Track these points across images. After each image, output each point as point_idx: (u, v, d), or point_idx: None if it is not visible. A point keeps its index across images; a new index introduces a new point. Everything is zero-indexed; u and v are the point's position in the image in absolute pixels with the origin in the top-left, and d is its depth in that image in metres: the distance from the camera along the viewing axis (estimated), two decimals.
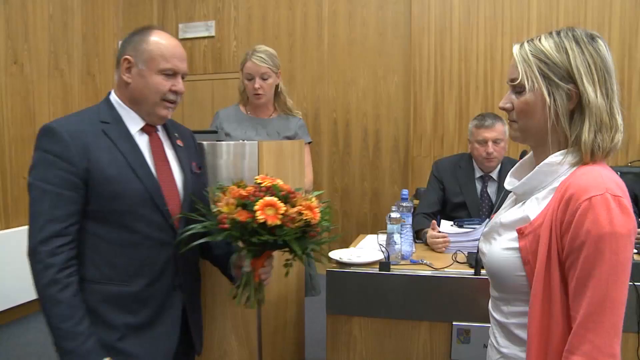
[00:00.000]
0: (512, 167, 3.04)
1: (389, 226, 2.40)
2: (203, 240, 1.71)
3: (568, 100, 1.28)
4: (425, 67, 4.66)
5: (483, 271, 2.18)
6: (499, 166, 3.26)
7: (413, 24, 4.65)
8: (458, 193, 3.22)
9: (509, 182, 1.45)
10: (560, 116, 1.28)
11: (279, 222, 1.58)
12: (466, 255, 2.45)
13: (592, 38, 1.30)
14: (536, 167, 1.33)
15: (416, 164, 4.72)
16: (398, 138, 4.85)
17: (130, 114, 1.79)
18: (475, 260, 2.19)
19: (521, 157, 2.70)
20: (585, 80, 1.26)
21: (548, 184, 1.32)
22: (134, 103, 1.78)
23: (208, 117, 5.01)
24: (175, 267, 1.82)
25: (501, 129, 3.18)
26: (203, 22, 5.05)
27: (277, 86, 3.04)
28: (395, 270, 2.31)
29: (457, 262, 2.39)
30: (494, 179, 3.23)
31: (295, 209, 1.62)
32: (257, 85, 2.92)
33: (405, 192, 2.59)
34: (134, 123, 1.79)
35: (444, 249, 2.61)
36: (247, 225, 1.59)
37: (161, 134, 1.89)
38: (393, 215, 2.41)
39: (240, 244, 1.71)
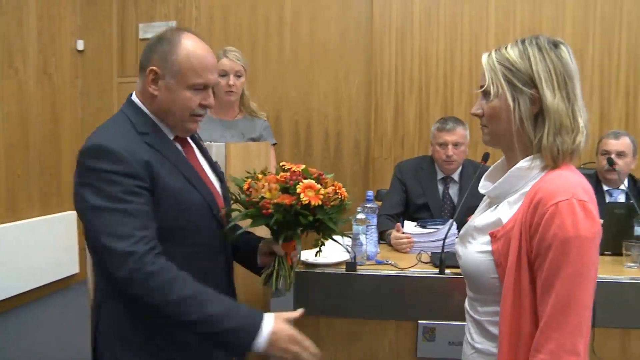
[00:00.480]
0: (474, 169, 3.13)
1: (355, 227, 2.44)
2: (247, 228, 1.69)
3: (531, 105, 1.34)
4: (387, 69, 4.71)
5: (447, 270, 2.23)
6: (460, 168, 3.33)
7: (374, 27, 4.70)
8: (420, 194, 3.28)
9: (483, 186, 1.53)
10: (524, 120, 1.34)
11: (320, 203, 1.62)
12: (430, 255, 2.50)
13: (555, 45, 1.38)
14: (508, 172, 1.40)
15: (377, 165, 4.77)
16: (359, 140, 4.89)
17: (161, 124, 1.68)
18: (439, 259, 2.24)
19: (483, 159, 2.78)
20: (544, 85, 1.32)
21: (519, 188, 1.37)
22: (161, 116, 1.67)
23: None
24: (228, 277, 1.79)
25: (462, 133, 3.26)
26: (164, 22, 4.99)
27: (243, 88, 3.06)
28: (362, 270, 2.35)
29: (422, 262, 2.43)
30: (455, 181, 3.30)
31: (329, 189, 1.68)
32: (231, 82, 2.94)
33: (370, 193, 2.63)
34: (167, 133, 1.69)
35: (408, 249, 2.66)
36: (291, 208, 1.60)
37: (188, 139, 1.80)
38: (359, 216, 2.44)
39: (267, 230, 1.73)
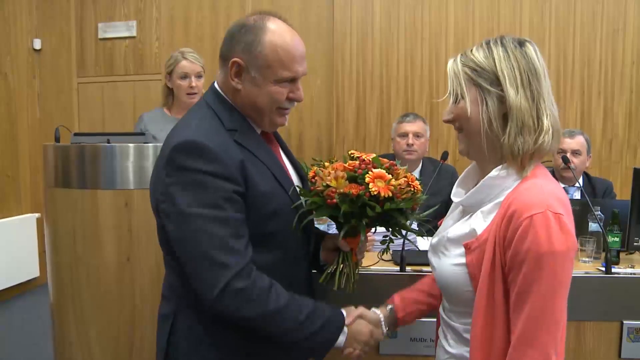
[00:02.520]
0: (434, 167, 3.13)
1: (317, 226, 2.44)
2: (311, 217, 1.54)
3: (500, 104, 1.31)
4: (348, 70, 4.75)
5: (408, 268, 2.26)
6: (420, 166, 3.38)
7: (335, 28, 4.73)
8: None
9: (456, 193, 1.49)
10: (492, 120, 1.31)
11: (390, 194, 1.49)
12: (391, 253, 2.52)
13: (520, 43, 1.36)
14: (481, 181, 1.36)
15: None
16: (321, 140, 4.91)
17: (247, 118, 1.55)
18: (400, 257, 2.26)
19: (442, 158, 2.82)
20: (508, 83, 1.30)
21: (494, 197, 1.34)
22: (246, 110, 1.53)
23: (129, 119, 4.89)
24: (309, 285, 1.70)
25: (422, 125, 3.33)
26: (124, 22, 4.92)
27: None
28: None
29: (383, 260, 2.45)
30: (416, 178, 3.34)
31: (401, 181, 1.55)
32: (193, 84, 2.91)
33: None
34: (255, 128, 1.56)
35: (370, 247, 2.67)
36: (358, 198, 1.48)
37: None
38: None
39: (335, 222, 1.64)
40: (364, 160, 1.58)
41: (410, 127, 3.31)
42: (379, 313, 1.69)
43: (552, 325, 1.21)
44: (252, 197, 1.43)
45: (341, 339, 1.53)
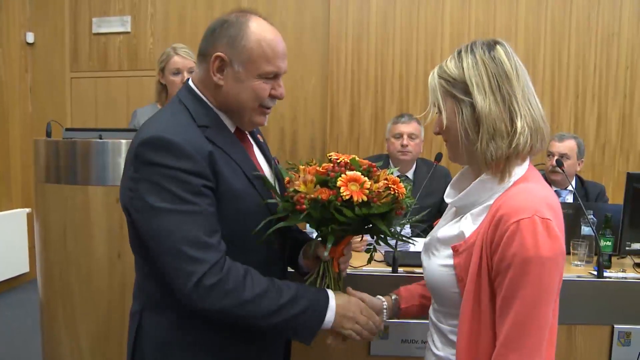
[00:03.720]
0: (427, 168, 3.12)
1: (309, 227, 2.43)
2: (279, 226, 1.45)
3: (473, 112, 1.30)
4: (342, 70, 4.74)
5: (400, 269, 2.25)
6: (414, 167, 3.38)
7: (331, 28, 4.72)
8: None
9: (449, 194, 1.48)
10: (468, 129, 1.30)
11: (365, 198, 1.39)
12: (383, 254, 2.52)
13: (490, 46, 1.34)
14: (472, 184, 1.35)
15: None
16: (315, 139, 4.91)
17: (221, 115, 1.51)
18: (392, 258, 2.26)
19: (436, 159, 2.81)
20: (475, 90, 1.29)
21: (483, 200, 1.34)
22: (224, 107, 1.50)
23: (123, 116, 4.86)
24: None
25: (417, 126, 3.33)
26: (118, 17, 4.90)
27: None
28: None
29: (375, 260, 2.44)
30: (410, 179, 3.34)
31: (380, 184, 1.44)
32: (185, 79, 2.89)
33: None
34: (229, 125, 1.53)
35: (361, 248, 2.67)
36: (329, 204, 1.39)
37: (248, 134, 1.64)
38: None
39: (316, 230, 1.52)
40: (338, 162, 1.48)
41: (405, 128, 3.31)
42: (383, 300, 1.66)
43: (537, 331, 1.20)
44: (222, 193, 1.41)
45: (329, 316, 1.46)
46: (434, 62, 4.65)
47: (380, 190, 1.43)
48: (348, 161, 1.48)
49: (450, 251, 1.35)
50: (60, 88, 4.98)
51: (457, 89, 1.32)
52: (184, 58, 2.90)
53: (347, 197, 1.38)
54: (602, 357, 2.29)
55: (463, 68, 1.32)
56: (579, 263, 2.48)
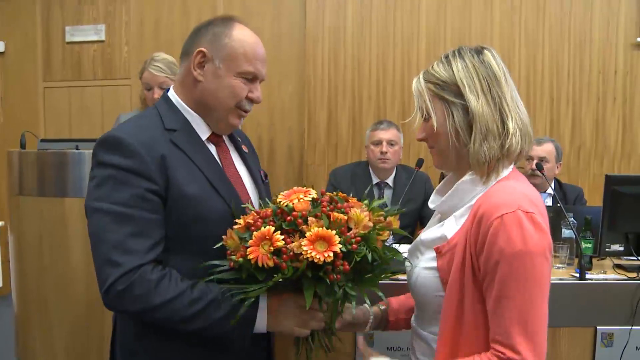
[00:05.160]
0: (407, 174, 3.14)
1: None
2: (212, 278, 1.36)
3: (465, 114, 1.31)
4: (319, 76, 4.73)
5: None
6: (394, 173, 3.38)
7: (307, 34, 4.71)
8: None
9: (432, 200, 1.46)
10: (459, 131, 1.31)
11: (270, 264, 1.22)
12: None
13: (478, 51, 1.36)
14: (454, 186, 1.36)
15: (310, 172, 4.77)
16: (292, 146, 4.88)
17: (196, 120, 1.52)
18: None
19: (417, 165, 2.82)
20: (468, 91, 1.30)
21: (466, 201, 1.33)
22: (201, 107, 1.51)
23: (98, 126, 4.79)
24: None
25: (396, 133, 3.33)
26: (92, 25, 4.83)
27: None
28: None
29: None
30: (390, 186, 3.34)
31: (296, 244, 1.23)
32: (156, 96, 2.85)
33: None
34: (201, 131, 1.52)
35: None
36: (240, 268, 1.28)
37: (227, 142, 1.63)
38: None
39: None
40: (261, 212, 1.32)
41: (384, 134, 3.31)
42: (369, 310, 1.61)
43: (538, 326, 1.18)
44: (173, 197, 1.39)
45: (261, 317, 1.38)
46: (411, 67, 4.68)
47: (295, 251, 1.22)
48: (283, 208, 1.31)
49: (433, 253, 1.34)
50: (32, 98, 4.89)
51: (447, 91, 1.32)
52: (154, 74, 2.85)
53: (254, 261, 1.23)
54: (586, 359, 2.31)
55: (453, 71, 1.33)
56: (560, 266, 2.50)
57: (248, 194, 1.58)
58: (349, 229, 1.26)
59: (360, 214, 1.27)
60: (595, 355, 2.31)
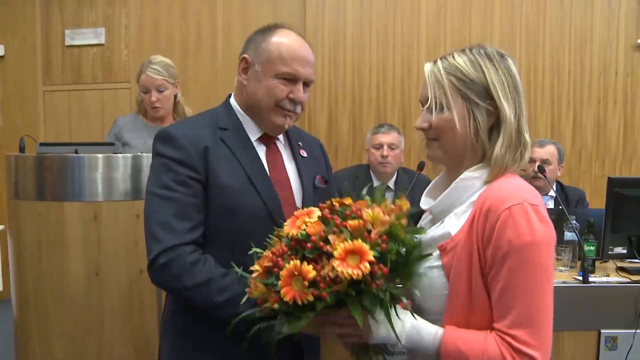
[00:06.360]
0: (409, 177, 3.11)
1: None
2: (253, 332, 1.27)
3: (488, 117, 1.28)
4: (319, 79, 4.73)
5: None
6: (395, 176, 3.36)
7: (307, 38, 4.67)
8: None
9: (425, 202, 1.43)
10: (480, 133, 1.28)
11: (310, 299, 1.14)
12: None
13: (502, 56, 1.33)
14: (452, 184, 1.33)
15: None
16: None
17: (248, 121, 1.63)
18: None
19: (419, 168, 2.80)
20: (502, 97, 1.27)
21: (466, 198, 1.31)
22: (249, 109, 1.62)
23: (97, 129, 4.78)
24: None
25: (397, 137, 3.32)
26: (92, 29, 4.83)
27: (175, 96, 2.98)
28: None
29: None
30: (391, 189, 3.32)
31: (330, 266, 1.14)
32: (153, 99, 2.84)
33: None
34: (251, 132, 1.63)
35: None
36: (272, 313, 1.20)
37: (282, 145, 1.70)
38: None
39: None
40: (286, 242, 1.23)
41: (385, 138, 3.29)
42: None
43: (546, 316, 1.19)
44: (212, 187, 1.51)
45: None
46: (411, 70, 4.67)
47: (330, 277, 1.14)
48: (297, 238, 1.20)
49: (437, 252, 1.30)
50: (32, 101, 4.89)
51: (472, 91, 1.29)
52: (150, 77, 2.84)
53: (292, 301, 1.15)
54: None
55: (483, 71, 1.29)
56: (563, 269, 2.48)
57: (293, 196, 1.64)
58: (369, 232, 1.20)
59: (374, 212, 1.21)
60: (599, 359, 2.29)
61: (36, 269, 2.23)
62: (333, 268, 1.13)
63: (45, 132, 4.93)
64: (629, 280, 2.40)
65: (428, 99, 1.32)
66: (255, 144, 1.62)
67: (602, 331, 2.28)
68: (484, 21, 4.60)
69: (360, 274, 1.11)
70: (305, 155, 1.73)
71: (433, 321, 1.33)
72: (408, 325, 1.25)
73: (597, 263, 2.65)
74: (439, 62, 1.33)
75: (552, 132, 4.62)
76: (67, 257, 2.19)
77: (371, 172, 3.38)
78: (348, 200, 1.30)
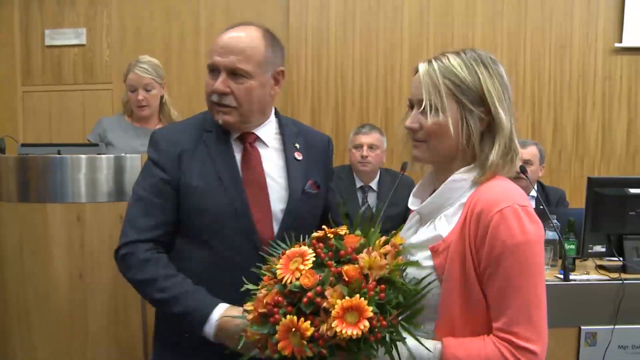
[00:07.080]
0: (392, 178, 3.13)
1: None
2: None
3: (480, 123, 1.29)
4: (303, 82, 4.72)
5: None
6: (377, 176, 3.38)
7: (290, 39, 4.70)
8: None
9: (413, 202, 1.44)
10: (472, 138, 1.29)
11: (310, 354, 1.10)
12: None
13: (494, 62, 1.33)
14: (442, 185, 1.33)
15: None
16: None
17: None
18: None
19: (402, 169, 2.82)
20: (497, 104, 1.28)
21: (455, 200, 1.32)
22: None
23: (79, 130, 4.72)
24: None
25: (378, 137, 3.34)
26: (73, 29, 4.77)
27: (161, 97, 2.98)
28: None
29: None
30: (373, 189, 3.35)
31: (328, 325, 1.10)
32: (140, 97, 2.83)
33: None
34: (233, 132, 1.65)
35: None
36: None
37: (275, 145, 1.67)
38: None
39: None
40: (280, 292, 1.16)
41: (365, 138, 3.32)
42: None
43: (541, 310, 1.23)
44: (184, 187, 1.57)
45: (207, 331, 1.46)
46: (394, 70, 4.69)
47: (328, 335, 1.10)
48: (289, 289, 1.15)
49: (427, 253, 1.31)
50: (10, 103, 4.81)
51: (467, 97, 1.29)
52: (139, 75, 2.84)
53: (290, 355, 1.12)
54: (569, 359, 2.33)
55: (479, 78, 1.29)
56: (545, 267, 2.52)
57: (268, 197, 1.61)
58: (366, 277, 1.16)
59: (370, 258, 1.17)
60: (579, 355, 2.33)
61: (19, 271, 2.22)
62: (331, 327, 1.09)
63: (25, 134, 4.86)
64: (607, 277, 2.45)
65: (421, 100, 1.31)
66: (234, 144, 1.65)
67: (582, 327, 2.32)
68: (465, 23, 4.64)
69: (359, 333, 1.08)
70: (300, 158, 1.69)
71: (424, 320, 1.36)
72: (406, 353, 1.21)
73: (578, 261, 2.70)
74: (434, 62, 1.32)
75: (533, 133, 4.68)
76: (50, 259, 2.18)
77: (353, 172, 3.40)
78: (343, 230, 1.28)
